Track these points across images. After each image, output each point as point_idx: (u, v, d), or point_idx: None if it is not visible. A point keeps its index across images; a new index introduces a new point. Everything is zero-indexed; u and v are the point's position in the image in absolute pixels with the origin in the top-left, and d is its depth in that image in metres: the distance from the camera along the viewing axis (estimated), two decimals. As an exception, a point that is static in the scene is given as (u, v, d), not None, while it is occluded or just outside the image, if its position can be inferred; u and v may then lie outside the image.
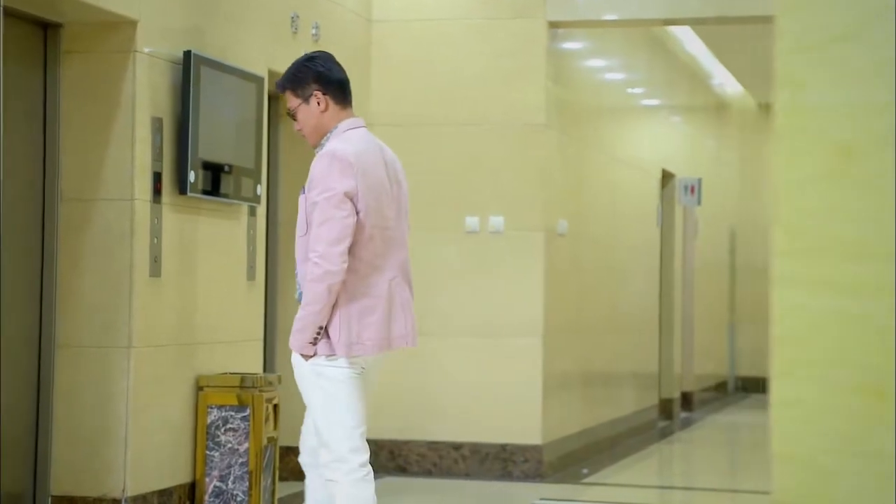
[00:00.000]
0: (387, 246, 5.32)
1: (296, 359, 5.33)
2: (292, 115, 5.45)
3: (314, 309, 5.15)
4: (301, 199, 5.32)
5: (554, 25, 9.95)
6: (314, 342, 5.20)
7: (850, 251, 1.79)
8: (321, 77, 5.39)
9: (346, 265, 5.15)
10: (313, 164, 5.29)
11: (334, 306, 5.20)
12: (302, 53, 8.77)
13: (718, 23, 10.63)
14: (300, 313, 5.21)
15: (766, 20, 10.86)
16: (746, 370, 19.03)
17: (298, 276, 5.36)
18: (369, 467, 5.36)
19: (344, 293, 5.20)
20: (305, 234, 5.26)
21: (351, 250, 5.21)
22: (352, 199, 5.19)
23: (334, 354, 5.23)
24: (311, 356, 5.25)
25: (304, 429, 5.57)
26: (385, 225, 5.32)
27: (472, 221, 9.78)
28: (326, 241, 5.13)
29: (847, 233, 1.79)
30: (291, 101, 5.43)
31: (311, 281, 5.15)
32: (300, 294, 5.34)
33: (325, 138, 5.38)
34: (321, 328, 5.18)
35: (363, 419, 5.35)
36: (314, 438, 5.45)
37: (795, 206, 1.81)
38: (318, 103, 5.37)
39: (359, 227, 5.21)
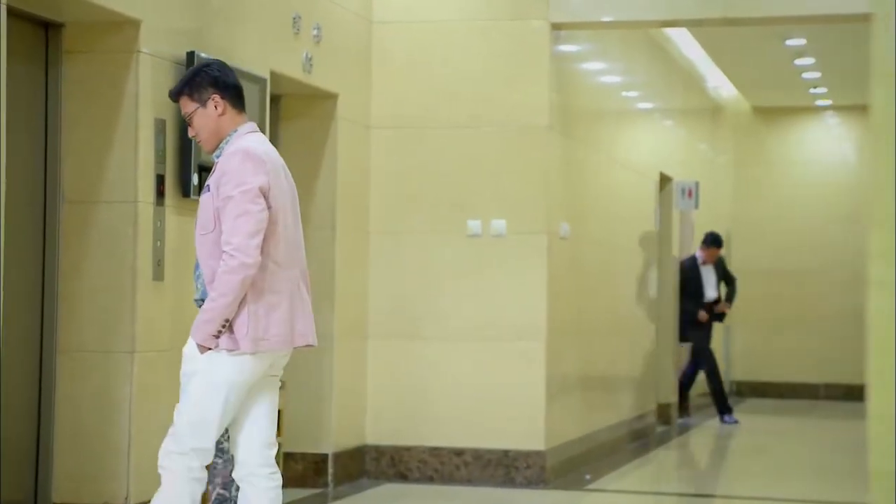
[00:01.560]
0: (288, 244, 5.36)
1: (190, 349, 5.29)
2: (188, 121, 5.48)
3: (226, 301, 5.15)
4: (204, 197, 5.33)
5: (557, 27, 9.85)
6: (217, 335, 5.17)
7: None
8: (218, 81, 5.45)
9: (259, 259, 5.18)
10: (223, 161, 5.30)
11: (241, 302, 5.19)
12: (304, 54, 8.76)
13: (723, 24, 10.54)
14: (209, 304, 5.18)
15: (769, 21, 10.81)
16: (741, 374, 18.98)
17: (203, 275, 5.32)
18: (206, 472, 5.35)
19: (251, 289, 5.21)
20: (213, 231, 5.24)
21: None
22: (265, 195, 5.23)
23: (237, 349, 5.19)
24: (209, 350, 5.20)
25: (236, 440, 5.44)
26: (286, 223, 5.36)
27: (474, 225, 9.68)
28: (243, 233, 5.17)
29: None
30: (188, 105, 5.46)
31: (225, 272, 5.14)
32: (202, 293, 5.33)
33: (223, 142, 5.42)
34: (227, 321, 5.16)
35: (223, 427, 5.31)
36: (240, 452, 5.39)
37: (893, 205, 1.71)
38: (216, 107, 5.42)
39: (269, 224, 5.25)
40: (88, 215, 7.00)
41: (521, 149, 9.70)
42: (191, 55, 7.29)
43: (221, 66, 5.55)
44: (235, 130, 5.43)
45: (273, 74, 8.35)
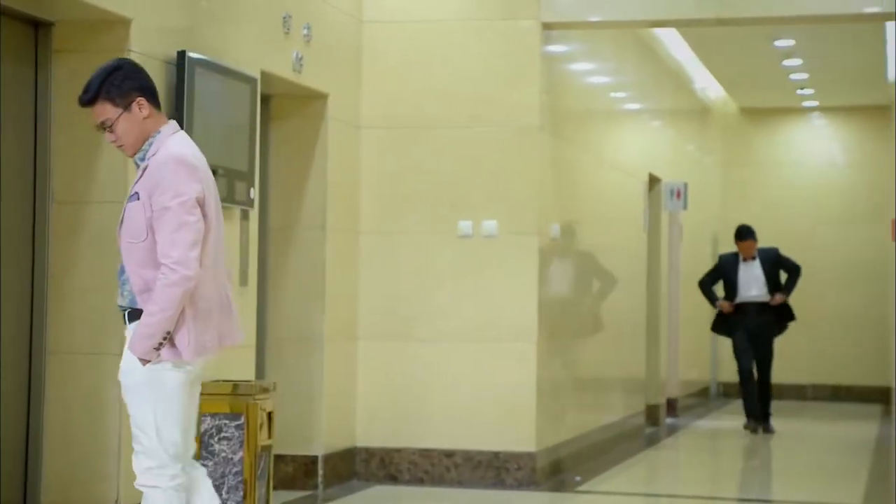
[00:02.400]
0: (216, 247, 5.29)
1: (129, 364, 5.20)
2: (109, 128, 5.25)
3: (166, 315, 5.08)
4: (133, 205, 5.17)
5: (547, 27, 9.82)
6: (158, 348, 5.12)
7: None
8: (139, 83, 5.28)
9: (199, 270, 5.11)
10: (154, 169, 5.15)
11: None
12: (294, 54, 8.71)
13: (714, 24, 10.52)
14: (148, 319, 5.09)
15: (762, 22, 10.79)
16: (728, 376, 18.92)
17: (131, 283, 5.20)
18: (185, 476, 5.33)
19: (189, 299, 5.14)
20: (145, 239, 5.14)
21: None
22: (200, 204, 5.16)
23: (181, 359, 5.16)
24: (150, 362, 5.14)
25: None
26: (216, 226, 5.27)
27: (465, 225, 9.64)
28: (183, 246, 5.08)
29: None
30: (108, 111, 5.22)
31: (166, 286, 5.06)
32: (130, 300, 5.22)
33: (146, 144, 5.26)
34: (168, 333, 5.12)
35: (185, 426, 5.30)
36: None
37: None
38: (141, 109, 5.24)
39: (205, 231, 5.18)
40: (78, 216, 6.95)
41: (512, 149, 9.66)
42: (181, 54, 7.24)
43: (134, 65, 5.36)
44: (159, 132, 5.26)
45: (263, 74, 8.30)
